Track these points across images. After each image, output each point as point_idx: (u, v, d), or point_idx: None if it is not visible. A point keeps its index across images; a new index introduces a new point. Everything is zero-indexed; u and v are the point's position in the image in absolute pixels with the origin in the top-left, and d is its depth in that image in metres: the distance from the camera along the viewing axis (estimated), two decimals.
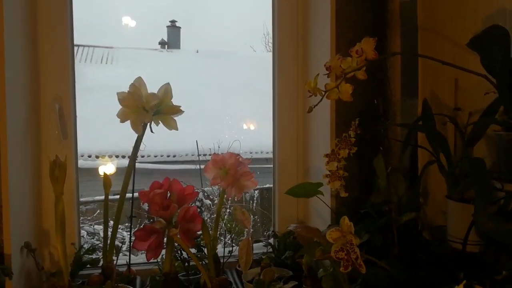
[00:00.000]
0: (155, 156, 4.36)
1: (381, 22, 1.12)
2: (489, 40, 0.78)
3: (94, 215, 2.70)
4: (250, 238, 0.93)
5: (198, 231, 0.96)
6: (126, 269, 1.04)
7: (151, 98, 0.98)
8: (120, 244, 1.06)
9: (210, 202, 2.63)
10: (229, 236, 1.10)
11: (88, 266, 1.04)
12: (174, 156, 4.45)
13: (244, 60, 6.54)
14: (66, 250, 0.87)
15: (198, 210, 1.04)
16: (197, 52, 7.31)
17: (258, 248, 1.18)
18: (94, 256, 1.05)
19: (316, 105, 0.83)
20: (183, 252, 1.04)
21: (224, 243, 1.08)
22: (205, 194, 2.64)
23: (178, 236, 0.90)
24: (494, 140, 0.86)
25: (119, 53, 6.84)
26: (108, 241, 1.00)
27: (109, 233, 1.01)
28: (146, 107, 0.97)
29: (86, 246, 1.10)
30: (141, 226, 1.02)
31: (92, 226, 2.54)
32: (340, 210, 1.03)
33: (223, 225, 1.19)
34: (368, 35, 0.79)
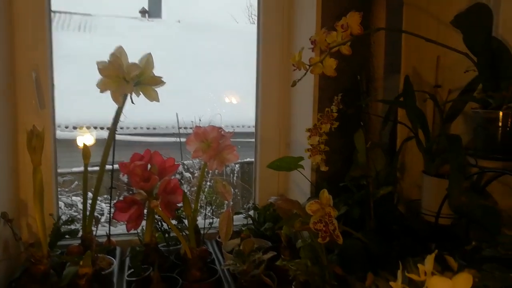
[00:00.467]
0: (135, 128, 4.28)
1: None
2: (472, 19, 0.79)
3: (72, 186, 2.67)
4: (230, 210, 0.94)
5: (179, 203, 0.97)
6: (106, 240, 1.04)
7: (132, 68, 0.95)
8: (99, 216, 1.05)
9: (190, 175, 2.63)
10: (209, 208, 1.11)
11: (67, 236, 1.04)
12: (154, 128, 4.39)
13: (227, 31, 6.41)
14: (44, 221, 0.86)
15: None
16: (179, 22, 7.12)
17: (238, 220, 1.20)
18: (73, 227, 1.05)
19: (300, 79, 0.83)
20: (163, 223, 1.05)
21: (205, 215, 1.09)
22: (185, 167, 2.63)
23: (159, 207, 0.90)
24: (471, 118, 0.88)
25: (98, 21, 6.59)
26: (88, 212, 0.99)
27: (88, 205, 1.00)
28: (127, 78, 0.94)
29: (64, 217, 1.09)
30: (121, 198, 1.02)
31: (70, 198, 2.51)
32: (320, 184, 1.05)
33: (203, 198, 1.20)
34: (354, 9, 0.78)
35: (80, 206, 2.41)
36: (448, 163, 0.85)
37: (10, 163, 1.02)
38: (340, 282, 0.77)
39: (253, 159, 1.31)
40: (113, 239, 1.07)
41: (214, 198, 1.16)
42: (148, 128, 4.39)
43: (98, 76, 0.94)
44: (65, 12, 6.29)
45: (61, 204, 2.39)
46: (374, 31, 1.08)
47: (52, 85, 1.10)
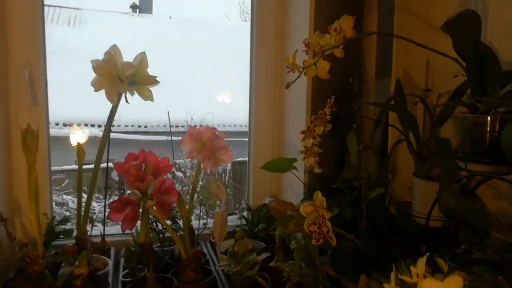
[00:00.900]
0: (126, 126, 4.26)
1: (359, 0, 1.13)
2: (462, 25, 0.80)
3: (63, 185, 2.65)
4: (224, 211, 0.95)
5: (174, 203, 0.97)
6: (100, 240, 1.04)
7: (126, 67, 0.95)
8: (93, 216, 1.06)
9: (182, 175, 2.63)
10: (203, 209, 1.12)
11: (61, 236, 1.04)
12: (146, 126, 4.37)
13: (219, 28, 6.39)
14: (39, 220, 0.86)
15: None
16: (170, 18, 7.07)
17: (232, 220, 1.21)
18: (67, 226, 1.05)
19: (294, 81, 0.84)
20: (158, 223, 1.05)
21: (199, 216, 1.10)
22: (177, 166, 2.63)
23: (154, 208, 0.91)
24: (460, 122, 0.90)
25: (87, 15, 6.51)
26: (82, 212, 1.00)
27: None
28: (122, 77, 0.94)
29: (56, 216, 1.09)
30: (116, 198, 1.02)
31: (61, 196, 2.49)
32: (313, 185, 1.07)
33: (196, 198, 1.20)
34: (346, 12, 0.79)
35: (71, 205, 2.39)
36: (438, 166, 0.87)
37: (4, 161, 1.01)
38: (333, 283, 0.78)
39: (245, 159, 1.32)
40: (107, 239, 1.08)
41: (207, 198, 1.16)
42: (139, 126, 4.36)
43: (89, 72, 0.94)
44: (54, 6, 6.20)
45: None
46: (367, 35, 1.10)
47: (45, 82, 1.09)
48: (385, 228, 0.92)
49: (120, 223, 0.93)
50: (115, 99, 0.97)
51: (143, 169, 0.95)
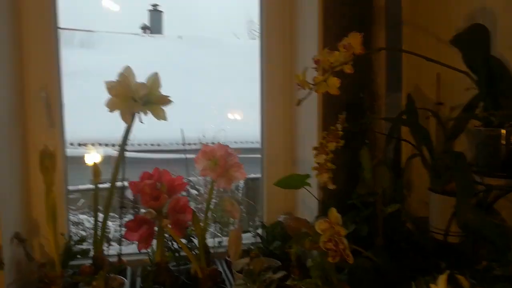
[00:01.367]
0: (139, 145, 4.30)
1: (366, 16, 1.14)
2: (471, 38, 0.81)
3: (79, 204, 2.67)
4: (239, 229, 0.95)
5: (189, 221, 0.98)
6: (117, 259, 1.05)
7: (140, 87, 0.97)
8: (108, 235, 1.06)
9: (196, 192, 2.64)
10: (217, 227, 1.12)
11: (78, 256, 1.04)
12: (159, 145, 4.41)
13: (228, 47, 6.49)
14: (58, 241, 0.87)
15: None
16: (180, 38, 7.20)
17: (247, 238, 1.20)
18: (84, 246, 1.06)
19: (305, 98, 0.85)
20: (173, 242, 1.05)
21: (214, 234, 1.10)
22: (191, 184, 2.63)
23: (169, 226, 0.91)
24: (474, 135, 0.89)
25: (100, 37, 6.67)
26: (98, 231, 1.00)
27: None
28: (135, 97, 0.96)
29: (72, 236, 1.10)
30: (131, 217, 1.03)
31: (76, 216, 2.51)
32: (327, 202, 1.06)
33: (211, 216, 1.21)
34: (354, 29, 0.80)
35: (87, 224, 2.41)
36: (454, 180, 0.86)
37: (22, 182, 1.03)
38: None
39: (257, 175, 1.33)
40: (124, 258, 1.08)
41: (221, 216, 1.16)
42: (152, 145, 4.40)
43: (102, 92, 0.96)
44: (68, 29, 6.37)
45: None
46: (376, 51, 1.11)
47: (61, 103, 1.12)
48: (402, 244, 0.90)
49: (136, 242, 0.93)
50: (129, 119, 0.99)
51: (158, 188, 0.96)
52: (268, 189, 1.27)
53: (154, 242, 0.98)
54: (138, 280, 0.99)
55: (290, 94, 1.26)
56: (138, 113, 0.99)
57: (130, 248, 1.17)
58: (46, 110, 1.08)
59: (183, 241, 1.03)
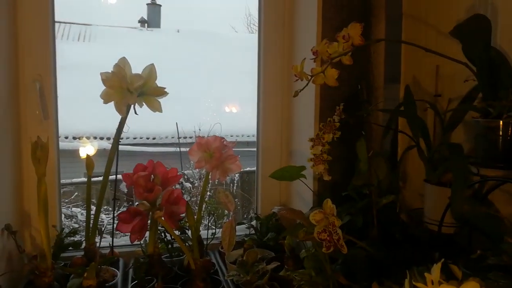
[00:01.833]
0: (134, 138, 4.30)
1: (366, 7, 1.13)
2: (471, 29, 0.80)
3: (72, 197, 2.66)
4: (233, 220, 0.95)
5: (182, 213, 0.97)
6: (109, 251, 1.04)
7: (135, 79, 0.96)
8: (101, 227, 1.06)
9: (190, 185, 2.63)
10: (211, 219, 1.11)
11: (70, 248, 1.04)
12: (154, 138, 4.40)
13: (226, 41, 6.47)
14: (49, 233, 0.86)
15: None
16: (178, 31, 7.17)
17: (241, 230, 1.20)
18: (75, 238, 1.05)
19: (302, 89, 0.84)
20: (166, 234, 1.05)
21: (208, 226, 1.09)
22: (186, 177, 2.63)
23: (163, 218, 0.90)
24: (472, 126, 0.89)
25: (97, 31, 6.64)
26: (91, 224, 0.99)
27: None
28: (131, 88, 0.95)
29: (65, 229, 1.09)
30: (124, 209, 1.02)
31: (69, 209, 2.51)
32: (322, 193, 1.05)
33: (205, 208, 1.20)
34: (354, 21, 0.79)
35: (80, 217, 2.40)
36: (450, 171, 0.85)
37: (14, 174, 1.02)
38: None
39: (253, 168, 1.32)
40: (116, 250, 1.07)
41: (216, 208, 1.16)
42: (148, 138, 4.40)
43: (98, 86, 0.95)
44: (65, 22, 6.33)
45: None
46: (375, 42, 1.10)
47: (56, 95, 1.10)
48: (396, 235, 0.90)
49: (129, 234, 0.92)
50: (124, 110, 0.97)
51: (151, 180, 0.95)
52: (263, 181, 1.26)
53: (147, 234, 0.97)
54: (131, 272, 0.98)
55: (288, 87, 1.25)
56: (133, 104, 0.97)
57: (123, 240, 1.16)
58: (39, 102, 1.06)
59: (177, 232, 1.02)
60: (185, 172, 2.64)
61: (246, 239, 1.10)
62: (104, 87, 0.95)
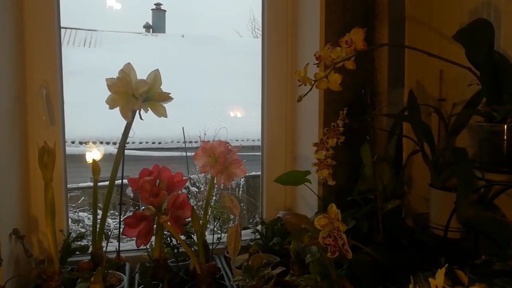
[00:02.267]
0: (140, 143, 4.32)
1: (369, 12, 1.13)
2: (474, 34, 0.80)
3: (78, 202, 2.68)
4: (238, 225, 0.95)
5: (188, 218, 0.97)
6: (115, 256, 1.05)
7: (140, 84, 0.97)
8: (108, 232, 1.06)
9: (196, 190, 2.64)
10: (217, 223, 1.11)
11: (77, 253, 1.04)
12: (160, 143, 4.42)
13: (231, 45, 6.49)
14: (56, 237, 0.87)
15: None
16: (183, 36, 7.21)
17: (246, 234, 1.20)
18: (82, 243, 1.06)
19: (306, 94, 0.84)
20: (172, 238, 1.05)
21: (213, 230, 1.09)
22: (192, 181, 2.64)
23: (169, 223, 0.91)
24: (476, 131, 0.89)
25: (103, 36, 6.69)
26: (97, 228, 1.00)
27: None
28: (136, 94, 0.96)
29: (72, 233, 1.10)
30: (130, 213, 1.03)
31: (76, 213, 2.52)
32: (327, 198, 1.05)
33: (210, 212, 1.20)
34: (356, 25, 0.79)
35: (87, 221, 2.41)
36: (455, 176, 0.85)
37: (21, 179, 1.03)
38: None
39: (258, 173, 1.32)
40: (122, 254, 1.08)
41: (221, 213, 1.16)
42: (153, 143, 4.42)
43: (104, 91, 0.95)
44: (71, 28, 6.39)
45: None
46: (378, 46, 1.10)
47: (62, 101, 1.12)
48: (402, 241, 0.90)
49: (135, 238, 0.93)
50: (129, 116, 0.98)
51: (157, 185, 0.95)
52: (268, 185, 1.26)
53: (153, 239, 0.98)
54: (137, 276, 0.98)
55: (292, 91, 1.25)
56: (139, 110, 0.98)
57: (129, 244, 1.17)
58: (46, 108, 1.07)
59: (182, 237, 1.03)
60: (191, 176, 2.65)
61: (251, 243, 1.10)
62: (109, 92, 0.96)
